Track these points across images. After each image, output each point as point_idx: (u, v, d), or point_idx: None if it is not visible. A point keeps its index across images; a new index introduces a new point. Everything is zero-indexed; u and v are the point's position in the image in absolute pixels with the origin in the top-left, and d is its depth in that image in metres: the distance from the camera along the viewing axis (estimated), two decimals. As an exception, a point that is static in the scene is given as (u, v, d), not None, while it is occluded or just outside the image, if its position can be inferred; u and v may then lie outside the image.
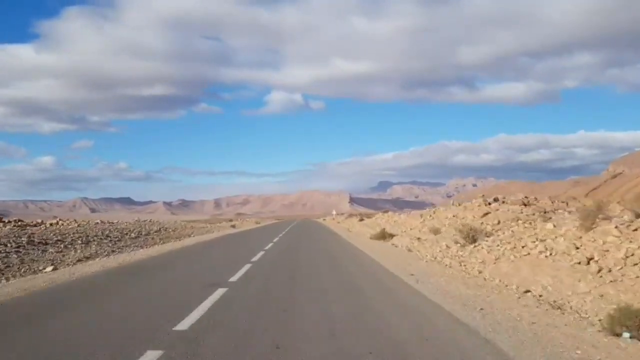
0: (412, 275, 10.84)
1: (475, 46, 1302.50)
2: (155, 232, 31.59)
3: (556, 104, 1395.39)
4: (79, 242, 20.64)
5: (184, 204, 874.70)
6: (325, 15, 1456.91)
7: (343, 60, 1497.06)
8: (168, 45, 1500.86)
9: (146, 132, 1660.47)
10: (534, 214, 16.98)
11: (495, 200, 22.42)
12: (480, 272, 11.10)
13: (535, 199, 23.24)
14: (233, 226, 54.52)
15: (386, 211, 54.94)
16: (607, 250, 8.91)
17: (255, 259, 14.90)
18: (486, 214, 19.55)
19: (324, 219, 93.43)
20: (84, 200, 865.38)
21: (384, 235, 24.03)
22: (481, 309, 7.26)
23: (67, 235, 22.30)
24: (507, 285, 9.40)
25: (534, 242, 11.32)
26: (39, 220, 29.86)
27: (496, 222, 17.28)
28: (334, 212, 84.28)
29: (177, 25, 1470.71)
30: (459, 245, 15.06)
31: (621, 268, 8.15)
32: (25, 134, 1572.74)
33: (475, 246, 14.02)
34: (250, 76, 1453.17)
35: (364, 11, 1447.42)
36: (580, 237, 10.08)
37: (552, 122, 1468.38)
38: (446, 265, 12.81)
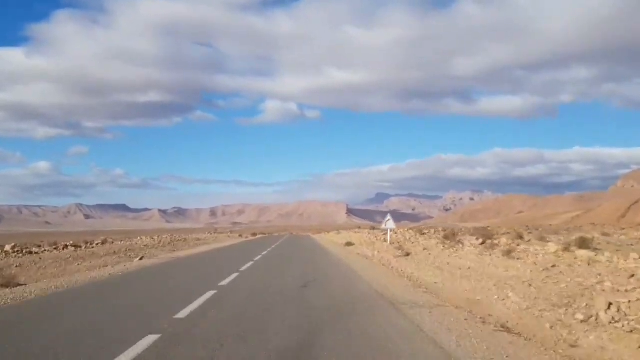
0: None
1: (470, 58, 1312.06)
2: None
3: (553, 118, 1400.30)
4: None
5: (180, 212, 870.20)
6: (319, 25, 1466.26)
7: (337, 70, 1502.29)
8: (161, 52, 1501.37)
9: (142, 139, 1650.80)
10: None
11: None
12: None
13: None
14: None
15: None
16: None
17: None
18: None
19: (351, 243, 31.62)
20: (79, 206, 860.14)
21: None
22: None
23: None
24: None
25: None
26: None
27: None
28: (390, 222, 25.30)
29: (169, 31, 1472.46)
30: None
31: None
32: (20, 138, 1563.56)
33: None
34: (245, 84, 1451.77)
35: (358, 21, 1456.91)
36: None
37: (548, 137, 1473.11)
38: None
